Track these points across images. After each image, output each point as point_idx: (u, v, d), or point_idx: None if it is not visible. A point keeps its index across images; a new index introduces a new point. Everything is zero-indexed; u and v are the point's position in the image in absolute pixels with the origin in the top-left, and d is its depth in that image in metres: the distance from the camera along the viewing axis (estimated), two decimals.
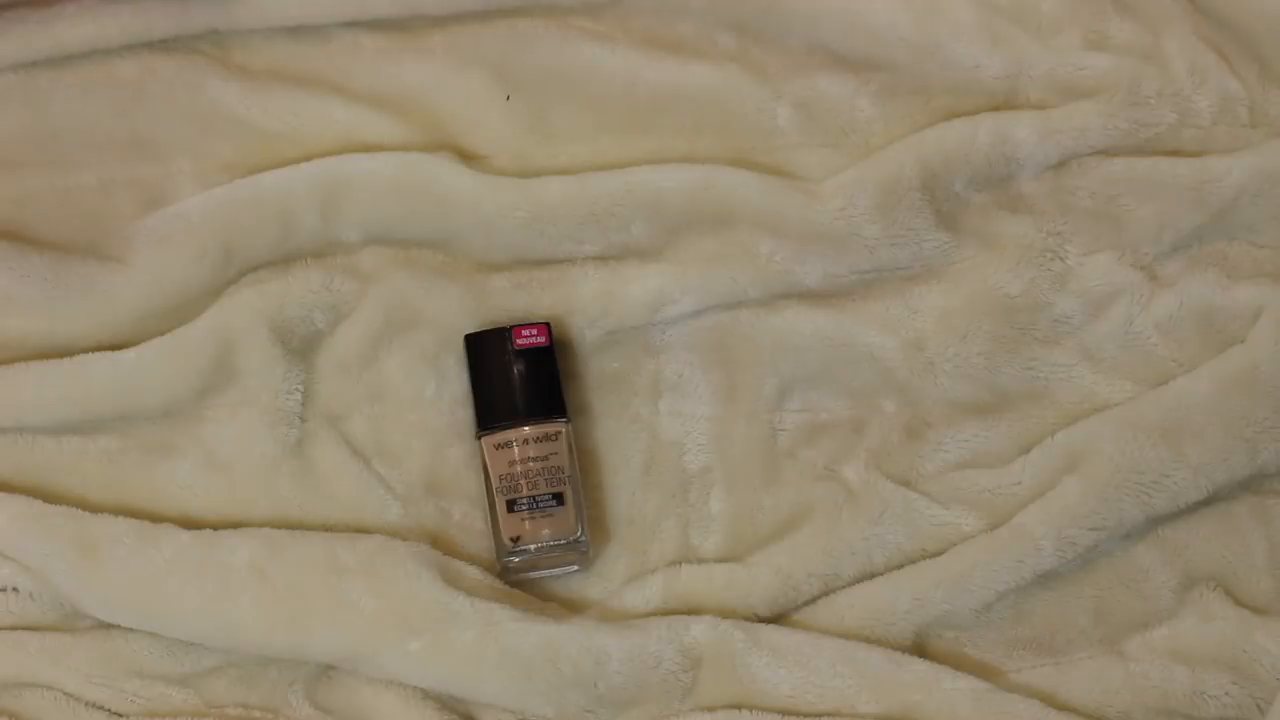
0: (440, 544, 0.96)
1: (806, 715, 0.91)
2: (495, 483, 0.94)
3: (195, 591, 0.91)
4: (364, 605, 0.91)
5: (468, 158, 1.00)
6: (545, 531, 0.94)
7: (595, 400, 0.99)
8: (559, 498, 0.94)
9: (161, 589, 0.91)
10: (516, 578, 0.96)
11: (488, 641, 0.91)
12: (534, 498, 0.94)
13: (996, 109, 1.02)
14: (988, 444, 0.99)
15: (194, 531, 0.93)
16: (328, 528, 0.95)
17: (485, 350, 0.97)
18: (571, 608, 0.96)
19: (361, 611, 0.91)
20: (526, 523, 0.94)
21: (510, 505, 0.94)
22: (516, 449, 0.95)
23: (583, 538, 0.94)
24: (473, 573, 0.94)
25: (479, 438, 0.95)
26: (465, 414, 0.98)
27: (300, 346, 0.98)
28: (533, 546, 0.94)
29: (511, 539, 0.94)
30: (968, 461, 0.99)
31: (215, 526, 0.94)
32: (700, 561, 0.97)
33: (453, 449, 0.98)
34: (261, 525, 0.94)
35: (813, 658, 0.92)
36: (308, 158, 0.98)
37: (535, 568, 0.95)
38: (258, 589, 0.91)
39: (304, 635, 0.91)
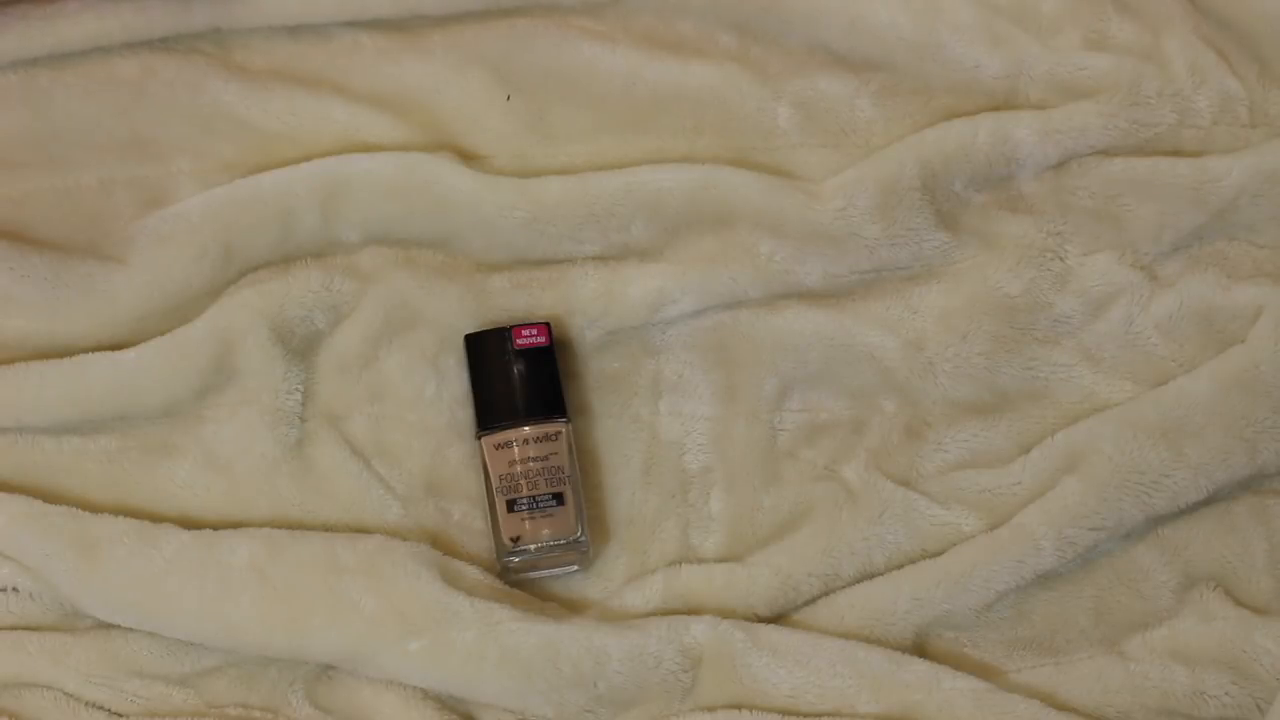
0: (440, 544, 0.96)
1: (807, 715, 0.91)
2: (495, 482, 0.94)
3: (195, 591, 0.91)
4: (364, 605, 0.91)
5: (468, 158, 1.00)
6: (545, 531, 0.94)
7: (595, 400, 0.99)
8: (559, 498, 0.94)
9: (161, 589, 0.91)
10: (516, 578, 0.96)
11: (488, 641, 0.91)
12: (534, 498, 0.94)
13: (997, 109, 1.02)
14: (988, 444, 0.99)
15: (194, 531, 0.93)
16: (328, 528, 0.95)
17: (485, 350, 0.97)
18: (571, 608, 0.96)
19: (361, 611, 0.91)
20: (526, 523, 0.94)
21: (510, 505, 0.94)
22: (516, 449, 0.95)
23: (583, 538, 0.94)
24: (473, 573, 0.94)
25: (479, 438, 0.95)
26: (465, 414, 0.98)
27: (300, 346, 0.98)
28: (533, 546, 0.94)
29: (511, 539, 0.94)
30: (968, 461, 0.99)
31: (215, 526, 0.94)
32: (700, 561, 0.97)
33: (453, 449, 0.98)
34: (261, 525, 0.94)
35: (813, 658, 0.92)
36: (308, 158, 0.98)
37: (535, 568, 0.95)
38: (258, 589, 0.91)
39: (304, 635, 0.91)
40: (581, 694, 0.91)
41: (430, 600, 0.91)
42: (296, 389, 0.97)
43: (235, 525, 0.94)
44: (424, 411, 0.98)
